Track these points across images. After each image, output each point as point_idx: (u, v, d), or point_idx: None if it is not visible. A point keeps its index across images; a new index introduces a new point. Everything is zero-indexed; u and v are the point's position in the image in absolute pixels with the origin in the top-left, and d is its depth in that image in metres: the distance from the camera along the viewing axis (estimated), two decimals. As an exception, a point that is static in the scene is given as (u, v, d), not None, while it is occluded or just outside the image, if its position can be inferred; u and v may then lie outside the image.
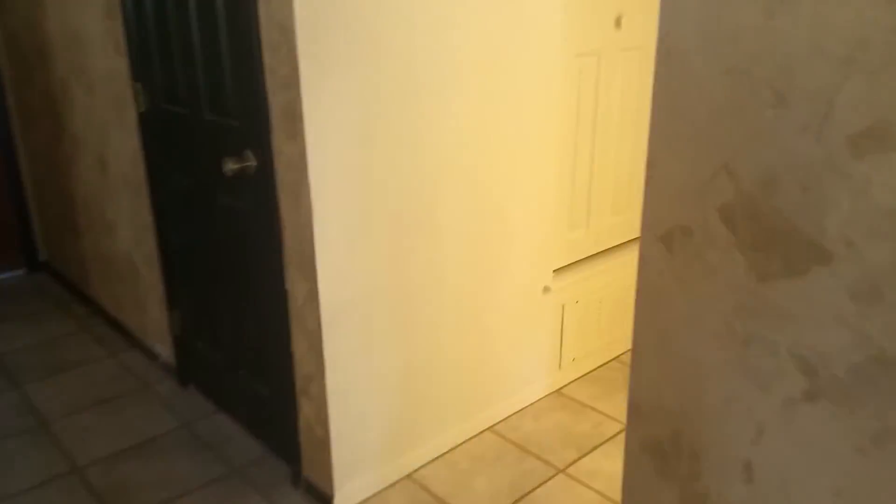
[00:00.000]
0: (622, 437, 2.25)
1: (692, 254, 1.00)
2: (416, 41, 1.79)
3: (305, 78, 1.62)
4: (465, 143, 1.97)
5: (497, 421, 2.34)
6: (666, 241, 1.03)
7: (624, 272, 2.63)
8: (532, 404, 2.43)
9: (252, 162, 1.86)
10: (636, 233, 2.71)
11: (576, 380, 2.58)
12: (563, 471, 2.13)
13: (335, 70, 1.66)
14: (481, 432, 2.30)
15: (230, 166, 1.86)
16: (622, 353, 2.75)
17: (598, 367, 2.66)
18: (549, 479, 2.09)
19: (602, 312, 2.60)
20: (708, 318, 1.01)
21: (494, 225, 2.13)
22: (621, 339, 2.73)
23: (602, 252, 2.59)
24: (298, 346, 1.92)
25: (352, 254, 1.82)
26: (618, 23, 2.34)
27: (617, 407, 2.41)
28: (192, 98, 2.04)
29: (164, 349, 2.73)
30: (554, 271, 2.38)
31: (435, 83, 1.86)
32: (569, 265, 2.47)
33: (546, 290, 2.35)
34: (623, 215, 2.62)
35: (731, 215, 0.94)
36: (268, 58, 1.68)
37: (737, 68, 0.89)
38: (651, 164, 1.01)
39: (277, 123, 1.74)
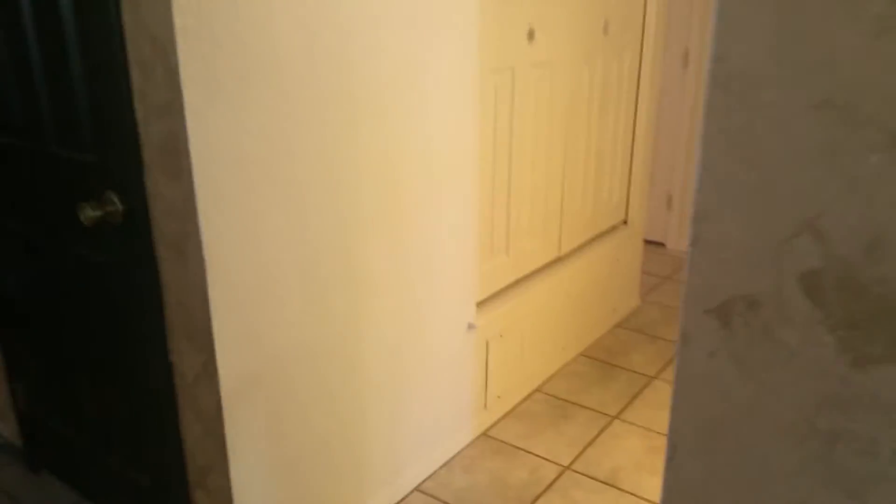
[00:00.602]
0: (561, 483, 2.05)
1: (759, 331, 0.79)
2: (323, 59, 1.48)
3: (191, 104, 1.27)
4: (381, 173, 1.69)
5: (425, 478, 2.07)
6: (721, 315, 0.81)
7: (544, 298, 2.44)
8: (460, 453, 2.19)
9: (117, 207, 1.47)
10: (553, 255, 2.54)
11: (501, 419, 2.36)
12: (504, 531, 1.90)
13: (228, 93, 1.32)
14: (409, 494, 2.02)
15: (89, 213, 1.46)
16: (543, 384, 2.57)
17: (522, 401, 2.46)
18: (494, 545, 1.86)
19: (525, 344, 2.40)
20: (778, 410, 0.80)
21: (416, 262, 1.86)
22: (541, 369, 2.55)
23: (522, 278, 2.39)
24: (190, 431, 1.56)
25: (258, 316, 1.48)
26: (531, 35, 2.14)
27: (549, 446, 2.21)
28: (31, 127, 1.60)
29: (7, 428, 2.22)
30: (476, 304, 2.14)
31: (346, 109, 1.56)
32: (490, 296, 2.25)
33: (471, 327, 2.11)
34: (541, 237, 2.43)
35: (817, 285, 0.74)
36: (138, 78, 1.31)
37: (829, 102, 0.69)
38: (701, 219, 0.79)
39: (153, 160, 1.37)
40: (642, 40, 2.83)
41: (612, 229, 2.92)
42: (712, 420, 0.85)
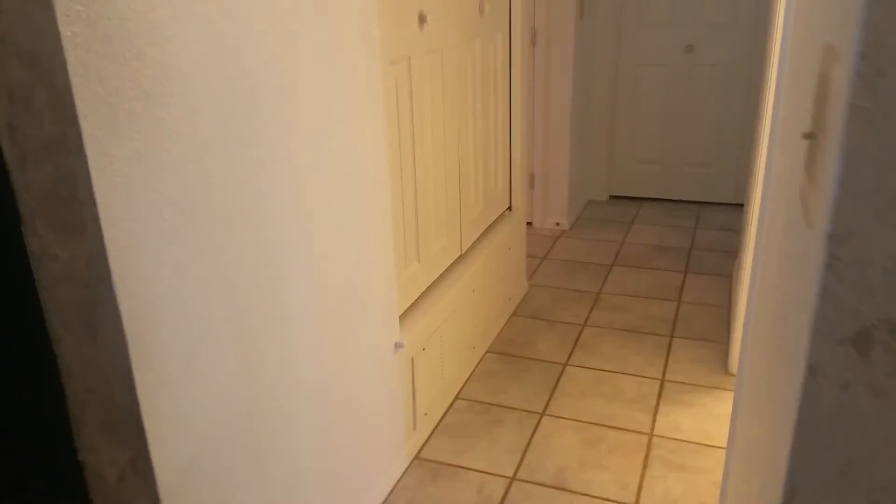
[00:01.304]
0: (512, 497, 1.95)
1: (904, 358, 0.70)
2: (229, 65, 1.22)
3: (92, 136, 0.97)
4: (299, 190, 1.45)
5: (369, 522, 1.87)
6: (859, 344, 0.71)
7: (454, 301, 2.31)
8: (398, 484, 2.00)
9: (-20, 275, 1.12)
10: (457, 253, 2.40)
11: (431, 436, 2.20)
12: (466, 560, 1.76)
13: (135, 119, 1.03)
14: (355, 544, 1.81)
15: (-59, 291, 1.09)
16: (461, 389, 2.44)
17: (446, 412, 2.32)
18: (465, 581, 1.71)
19: (444, 352, 2.26)
20: (925, 440, 0.72)
21: (340, 285, 1.64)
22: (458, 374, 2.42)
23: (433, 283, 2.24)
24: (118, 541, 1.24)
25: (191, 389, 1.21)
26: (422, 20, 1.96)
27: (488, 458, 2.09)
28: None
29: None
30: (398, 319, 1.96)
31: (256, 121, 1.31)
32: (409, 308, 2.07)
33: (398, 346, 1.92)
34: (446, 237, 2.29)
35: (983, 303, 0.66)
36: (7, 109, 0.98)
37: None
38: (841, 239, 0.68)
39: (34, 213, 1.04)
40: (510, 20, 2.75)
41: (500, 218, 2.85)
42: (846, 458, 0.76)
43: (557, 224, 3.91)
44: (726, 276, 3.26)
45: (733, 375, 2.44)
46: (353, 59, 1.59)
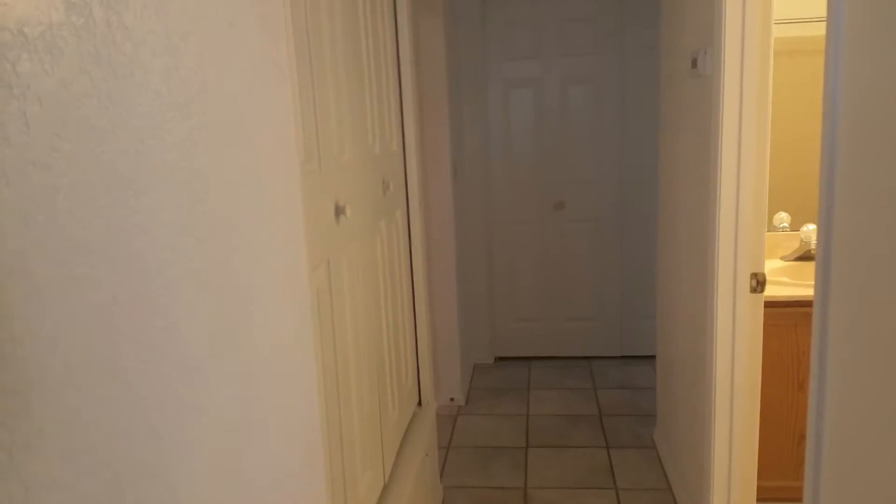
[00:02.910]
0: None
1: None
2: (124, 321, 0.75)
3: None
4: (219, 477, 0.95)
5: None
6: None
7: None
8: None
9: None
10: (381, 486, 1.91)
11: None
12: None
13: None
14: None
15: None
16: None
17: None
18: None
19: None
20: None
21: None
22: None
23: (364, 537, 1.72)
24: None
25: None
26: (340, 212, 1.59)
27: None
28: None
29: None
30: None
31: (159, 372, 0.83)
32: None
33: None
34: (370, 469, 1.80)
35: None
36: None
37: None
38: None
39: None
40: (407, 194, 2.45)
41: (413, 418, 2.41)
42: None
43: (452, 400, 3.51)
44: (649, 447, 3.00)
45: (715, 590, 2.10)
46: (280, 277, 1.16)
